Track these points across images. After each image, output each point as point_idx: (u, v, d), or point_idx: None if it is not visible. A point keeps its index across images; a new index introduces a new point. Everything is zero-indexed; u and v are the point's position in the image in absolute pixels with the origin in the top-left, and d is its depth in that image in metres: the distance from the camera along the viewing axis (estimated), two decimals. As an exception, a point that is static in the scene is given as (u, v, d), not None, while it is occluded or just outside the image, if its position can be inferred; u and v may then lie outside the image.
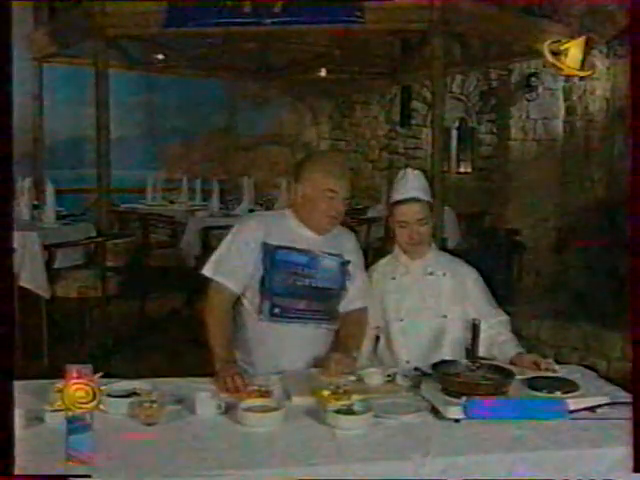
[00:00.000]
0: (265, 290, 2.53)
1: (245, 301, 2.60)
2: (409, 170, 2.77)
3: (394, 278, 2.73)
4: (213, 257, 2.59)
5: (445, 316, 2.66)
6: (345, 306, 2.66)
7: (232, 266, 2.54)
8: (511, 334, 2.68)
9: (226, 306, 2.55)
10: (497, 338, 2.61)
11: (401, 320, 2.67)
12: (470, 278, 2.75)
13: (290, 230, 2.59)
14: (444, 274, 2.71)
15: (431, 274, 2.71)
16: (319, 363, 2.48)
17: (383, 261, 2.82)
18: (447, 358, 2.45)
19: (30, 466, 1.63)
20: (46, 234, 5.14)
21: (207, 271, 2.57)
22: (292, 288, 2.54)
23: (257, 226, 2.60)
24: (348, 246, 2.69)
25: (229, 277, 2.53)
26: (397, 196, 2.70)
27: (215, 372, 2.32)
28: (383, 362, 2.67)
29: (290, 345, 2.54)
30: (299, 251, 2.56)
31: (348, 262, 2.64)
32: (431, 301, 2.68)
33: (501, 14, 6.42)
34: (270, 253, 2.53)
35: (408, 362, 2.60)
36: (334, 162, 2.67)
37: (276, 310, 2.54)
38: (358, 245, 2.78)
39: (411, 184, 2.69)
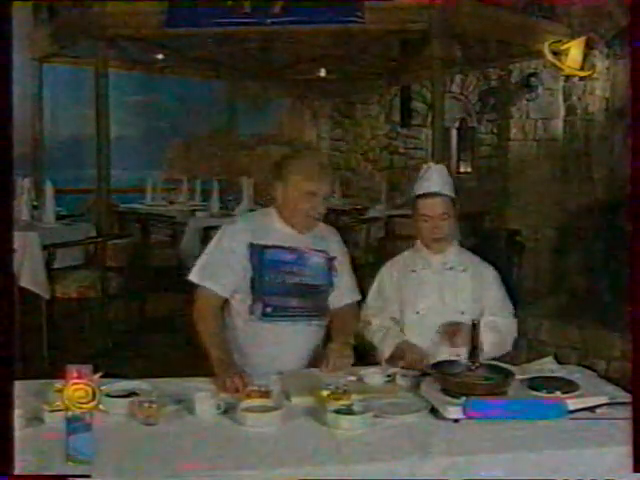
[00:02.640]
0: (256, 290, 2.54)
1: (234, 303, 2.60)
2: (432, 165, 2.79)
3: (414, 271, 2.74)
4: (199, 262, 2.59)
5: (463, 312, 2.65)
6: (335, 302, 2.69)
7: (218, 271, 2.54)
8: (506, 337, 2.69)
9: (214, 310, 2.54)
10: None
11: (417, 313, 2.68)
12: (489, 276, 2.76)
13: (276, 229, 2.60)
14: (464, 270, 2.72)
15: (451, 269, 2.72)
16: (318, 357, 2.48)
17: (405, 254, 2.84)
18: (446, 358, 2.45)
19: (30, 466, 1.63)
20: (46, 234, 5.13)
21: (193, 277, 2.56)
22: (283, 286, 2.55)
23: (242, 228, 2.60)
24: (333, 244, 2.72)
25: (216, 282, 2.53)
26: (420, 190, 2.72)
27: (215, 372, 2.32)
28: None
29: (283, 343, 2.55)
30: (287, 249, 2.57)
31: (334, 258, 2.66)
32: (449, 296, 2.68)
33: (501, 14, 6.42)
34: (258, 253, 2.53)
35: None
36: (313, 163, 2.65)
37: (268, 309, 2.54)
38: (342, 243, 2.81)
39: (434, 178, 2.71)
